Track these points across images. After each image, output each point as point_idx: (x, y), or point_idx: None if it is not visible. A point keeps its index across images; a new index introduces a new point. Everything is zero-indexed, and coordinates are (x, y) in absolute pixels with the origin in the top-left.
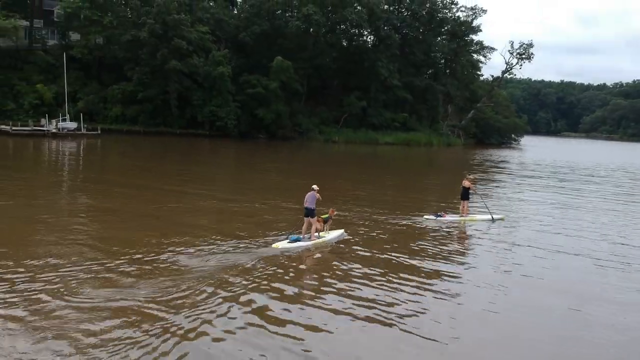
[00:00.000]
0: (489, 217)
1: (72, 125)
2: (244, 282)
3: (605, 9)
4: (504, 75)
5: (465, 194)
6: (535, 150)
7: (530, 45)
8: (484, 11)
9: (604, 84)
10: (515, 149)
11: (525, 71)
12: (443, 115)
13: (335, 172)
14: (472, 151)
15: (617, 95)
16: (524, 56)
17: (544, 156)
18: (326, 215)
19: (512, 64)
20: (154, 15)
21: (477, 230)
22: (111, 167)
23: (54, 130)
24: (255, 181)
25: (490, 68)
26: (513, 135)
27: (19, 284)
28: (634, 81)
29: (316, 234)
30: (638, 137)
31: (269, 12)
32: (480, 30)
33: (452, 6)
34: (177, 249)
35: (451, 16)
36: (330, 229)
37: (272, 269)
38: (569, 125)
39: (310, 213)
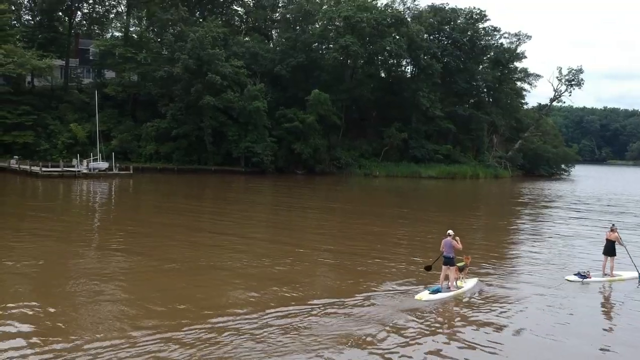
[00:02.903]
0: (637, 274)
1: (104, 165)
2: (401, 340)
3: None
4: (553, 102)
5: (611, 249)
6: (591, 181)
7: (580, 70)
8: (529, 37)
9: None
10: (566, 180)
11: (565, 98)
12: (488, 145)
13: (394, 211)
14: (522, 184)
15: None
16: (573, 82)
17: (607, 189)
18: (462, 263)
19: (560, 90)
20: (188, 50)
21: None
22: (148, 211)
23: (84, 171)
24: (314, 224)
25: (533, 96)
26: (563, 166)
27: None
28: None
29: (454, 283)
30: None
31: (305, 44)
32: (525, 57)
33: (495, 33)
34: (317, 303)
35: (494, 43)
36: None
37: (425, 323)
38: (614, 152)
39: (449, 262)
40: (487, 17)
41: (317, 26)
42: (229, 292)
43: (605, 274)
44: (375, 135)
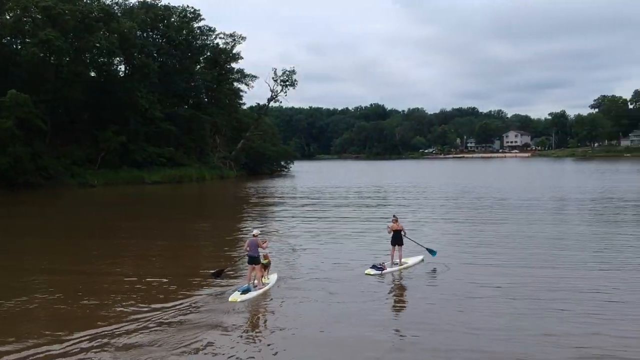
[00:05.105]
0: (420, 257)
1: None
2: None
3: (335, 41)
4: (270, 102)
5: (398, 239)
6: (310, 176)
7: (293, 72)
8: (243, 38)
9: (347, 108)
10: (287, 176)
11: (281, 98)
12: (212, 146)
13: (129, 224)
14: (248, 183)
15: (359, 117)
16: (287, 83)
17: (326, 183)
18: (266, 261)
19: (277, 91)
20: None
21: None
22: None
23: None
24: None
25: (251, 96)
26: (282, 163)
27: None
28: (371, 105)
29: (261, 280)
30: (382, 155)
31: None
32: (242, 58)
33: (211, 33)
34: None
35: (210, 43)
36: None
37: (250, 320)
38: (321, 148)
39: (254, 260)
40: (201, 17)
41: (9, 17)
42: None
43: (395, 263)
44: (89, 139)
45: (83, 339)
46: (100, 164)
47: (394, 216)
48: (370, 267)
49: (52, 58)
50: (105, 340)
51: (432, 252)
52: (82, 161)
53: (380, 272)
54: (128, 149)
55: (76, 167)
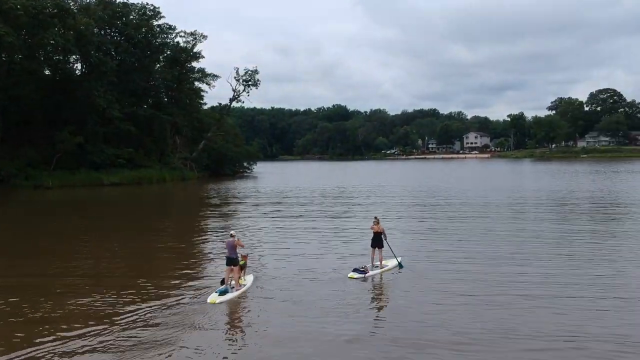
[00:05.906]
0: (396, 262)
1: None
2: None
3: (299, 42)
4: (232, 102)
5: (378, 241)
6: (271, 177)
7: (256, 71)
8: (205, 37)
9: (309, 109)
10: (250, 178)
11: (243, 98)
12: (172, 147)
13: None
14: (208, 184)
15: (322, 118)
16: (250, 83)
17: (289, 184)
18: (242, 262)
19: (239, 91)
20: None
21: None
22: None
23: None
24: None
25: (212, 96)
26: (245, 164)
27: None
28: (333, 106)
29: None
30: (345, 156)
31: None
32: (203, 57)
33: (171, 31)
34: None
35: (170, 42)
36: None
37: (233, 321)
38: (283, 148)
39: (232, 262)
40: (161, 14)
41: None
42: None
43: (375, 266)
44: (44, 140)
45: (54, 342)
46: (56, 165)
47: (375, 218)
48: (353, 271)
49: (3, 55)
50: (78, 342)
51: (400, 264)
52: (37, 163)
53: (363, 275)
54: (85, 150)
55: (31, 169)
